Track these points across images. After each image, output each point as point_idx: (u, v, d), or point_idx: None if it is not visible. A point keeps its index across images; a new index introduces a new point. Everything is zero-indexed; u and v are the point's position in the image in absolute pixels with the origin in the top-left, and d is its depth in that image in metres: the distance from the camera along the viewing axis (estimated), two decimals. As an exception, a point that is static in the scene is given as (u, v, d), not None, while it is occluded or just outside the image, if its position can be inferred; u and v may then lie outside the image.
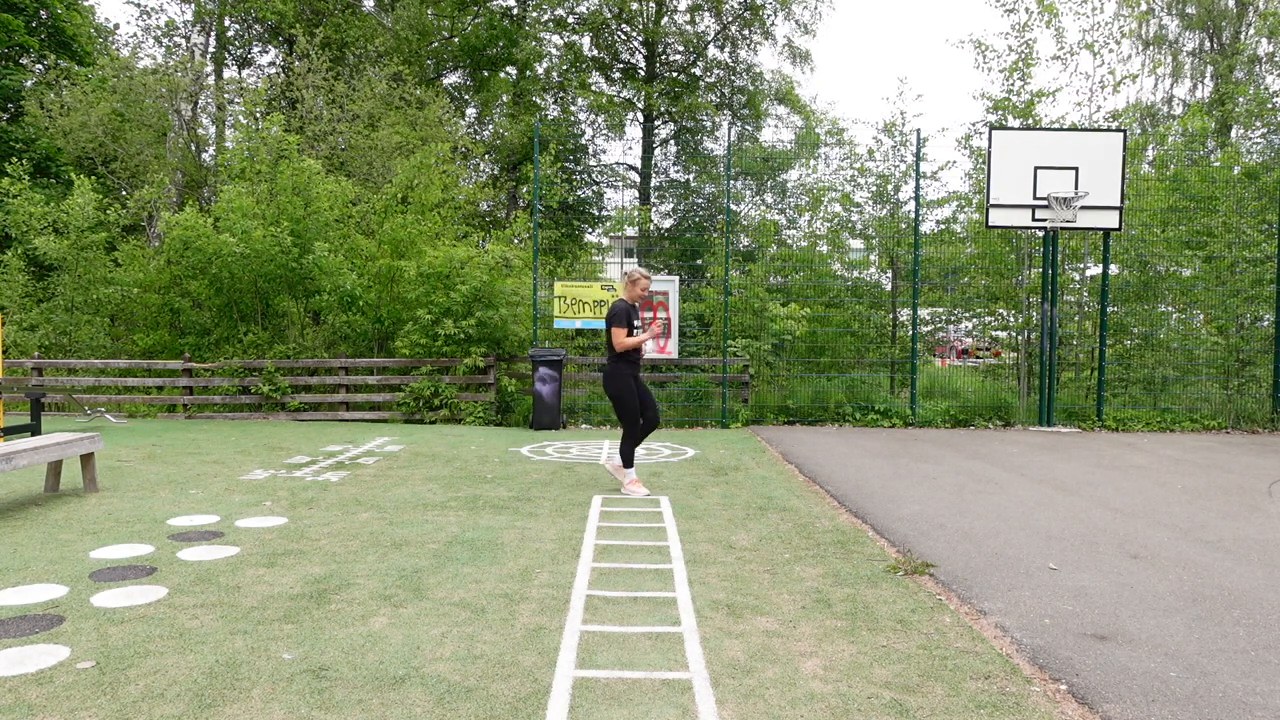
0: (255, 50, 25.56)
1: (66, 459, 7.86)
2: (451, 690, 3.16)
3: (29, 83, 20.95)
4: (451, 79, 27.04)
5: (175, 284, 15.06)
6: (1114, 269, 13.93)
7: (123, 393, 14.18)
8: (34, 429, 8.74)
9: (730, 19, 26.12)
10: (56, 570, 4.62)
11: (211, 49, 24.07)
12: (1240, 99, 18.21)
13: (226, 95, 20.69)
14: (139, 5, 23.70)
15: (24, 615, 3.89)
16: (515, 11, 26.29)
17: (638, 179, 27.12)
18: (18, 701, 3.01)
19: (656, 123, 26.86)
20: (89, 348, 14.62)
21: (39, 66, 21.92)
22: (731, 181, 18.46)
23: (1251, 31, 25.94)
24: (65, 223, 14.62)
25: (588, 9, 25.56)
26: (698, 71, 26.93)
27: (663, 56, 26.93)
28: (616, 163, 28.04)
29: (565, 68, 26.20)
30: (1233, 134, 20.42)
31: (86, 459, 6.88)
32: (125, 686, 3.15)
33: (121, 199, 17.12)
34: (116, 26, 27.46)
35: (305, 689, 3.15)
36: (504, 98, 25.77)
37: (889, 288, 16.45)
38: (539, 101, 25.85)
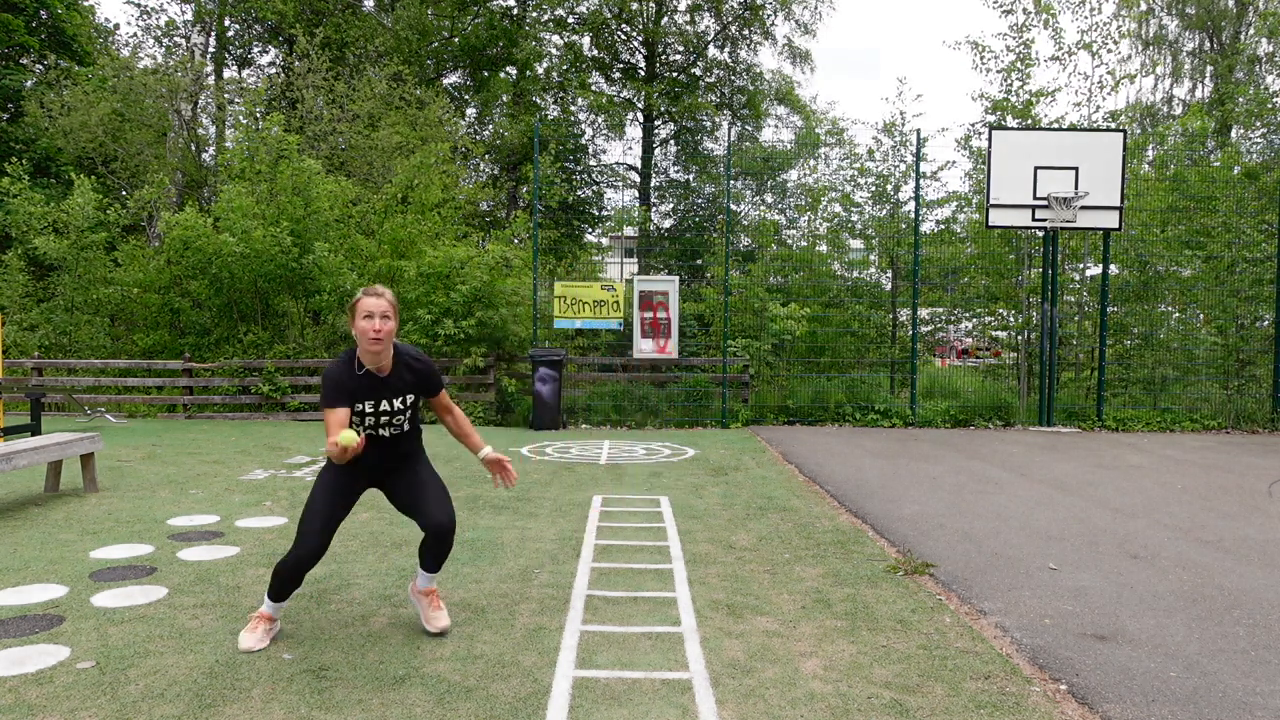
0: (255, 50, 25.56)
1: (66, 459, 7.86)
2: (451, 690, 3.16)
3: (29, 82, 20.94)
4: (451, 79, 27.03)
5: (175, 284, 15.05)
6: (1114, 269, 13.93)
7: (123, 393, 14.18)
8: (34, 429, 8.74)
9: (730, 19, 26.12)
10: (56, 570, 4.62)
11: (211, 49, 24.06)
12: (1240, 99, 18.20)
13: (226, 95, 20.67)
14: (139, 5, 23.62)
15: (24, 615, 3.89)
16: (515, 11, 26.28)
17: (638, 179, 27.12)
18: (18, 701, 3.01)
19: (656, 123, 26.85)
20: (89, 348, 14.61)
21: (39, 66, 21.90)
22: (731, 181, 18.45)
23: (1251, 31, 25.92)
24: (65, 223, 14.61)
25: (588, 9, 25.56)
26: (698, 71, 26.93)
27: (663, 56, 26.93)
28: (616, 163, 28.08)
29: (565, 68, 26.20)
30: (1233, 134, 20.42)
31: (86, 459, 6.88)
32: (125, 686, 3.15)
33: (121, 199, 17.10)
34: (116, 26, 27.44)
35: (305, 689, 3.15)
36: (504, 98, 25.75)
37: (889, 288, 16.45)
38: (539, 101, 25.84)
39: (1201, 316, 14.60)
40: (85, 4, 23.56)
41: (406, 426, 3.71)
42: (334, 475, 3.64)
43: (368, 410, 3.57)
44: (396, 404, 3.60)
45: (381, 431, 3.63)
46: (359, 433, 3.51)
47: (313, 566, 3.56)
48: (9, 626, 3.75)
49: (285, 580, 3.57)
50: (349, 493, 3.67)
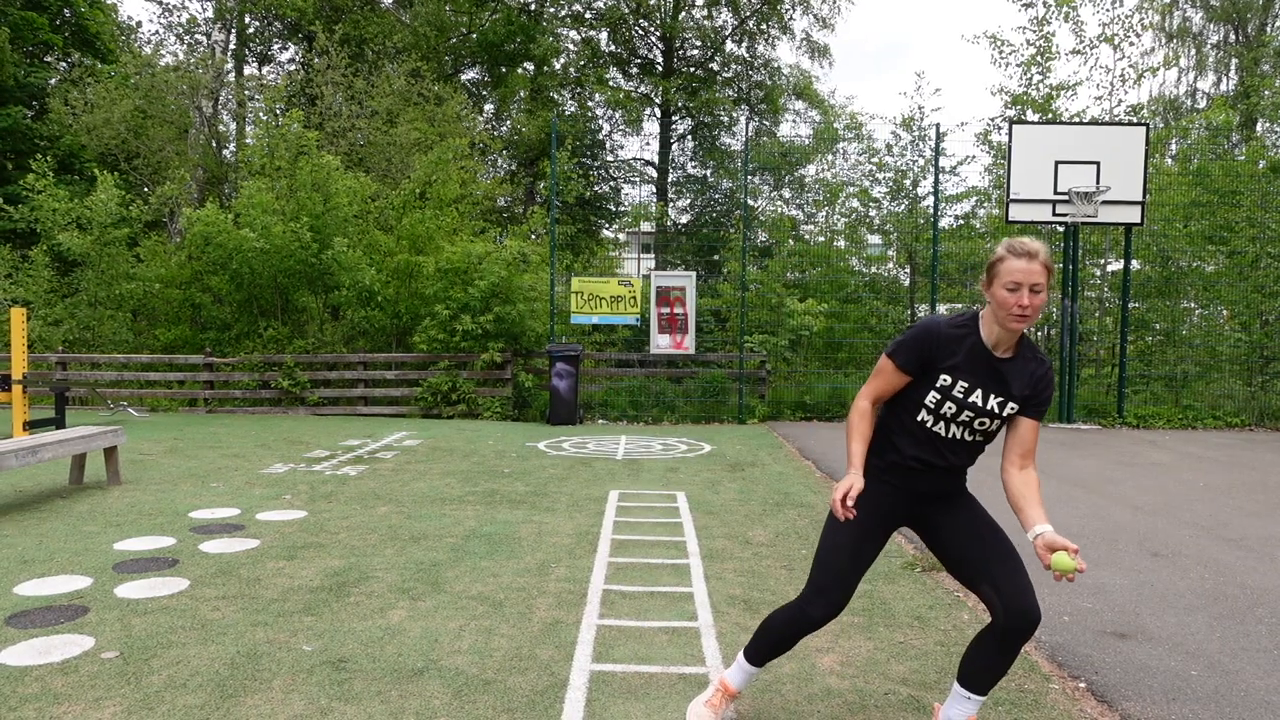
0: (275, 47, 25.73)
1: (90, 452, 7.96)
2: (469, 683, 3.18)
3: (53, 80, 21.19)
4: (469, 75, 27.09)
5: (196, 279, 15.21)
6: (1135, 264, 13.79)
7: (145, 387, 14.35)
8: (58, 422, 8.86)
9: (748, 13, 26.01)
10: (81, 561, 4.68)
11: (232, 46, 24.23)
12: (1265, 92, 17.95)
13: (247, 92, 20.84)
14: (161, 3, 23.80)
15: (49, 606, 3.95)
16: (533, 7, 26.30)
17: (655, 174, 27.08)
18: (44, 690, 3.06)
19: (674, 118, 26.78)
20: (112, 342, 14.80)
21: (63, 64, 22.17)
22: (749, 177, 18.39)
23: (1278, 24, 25.55)
24: (89, 219, 14.79)
25: (605, 4, 25.53)
26: (715, 66, 26.84)
27: (680, 51, 26.85)
28: (634, 158, 27.90)
29: (583, 63, 26.19)
30: (1258, 128, 20.14)
31: (110, 452, 6.96)
32: (148, 676, 3.19)
33: (144, 195, 17.29)
34: (139, 24, 27.71)
35: (325, 680, 3.18)
36: (521, 93, 25.81)
37: (907, 283, 16.36)
38: (556, 97, 25.86)
39: (1225, 312, 14.43)
40: (108, 2, 23.80)
41: (985, 444, 2.57)
42: (863, 505, 2.59)
43: (955, 392, 2.44)
44: (993, 403, 2.44)
45: (953, 431, 2.50)
46: (921, 420, 2.50)
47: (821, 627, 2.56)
48: (35, 617, 3.81)
49: (778, 642, 2.69)
50: (880, 532, 2.68)
